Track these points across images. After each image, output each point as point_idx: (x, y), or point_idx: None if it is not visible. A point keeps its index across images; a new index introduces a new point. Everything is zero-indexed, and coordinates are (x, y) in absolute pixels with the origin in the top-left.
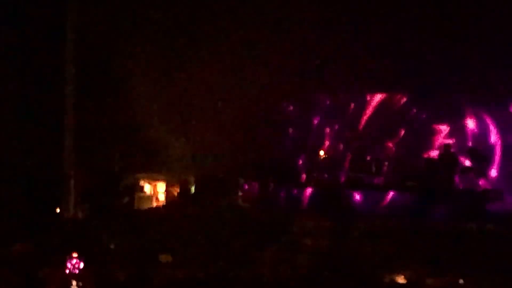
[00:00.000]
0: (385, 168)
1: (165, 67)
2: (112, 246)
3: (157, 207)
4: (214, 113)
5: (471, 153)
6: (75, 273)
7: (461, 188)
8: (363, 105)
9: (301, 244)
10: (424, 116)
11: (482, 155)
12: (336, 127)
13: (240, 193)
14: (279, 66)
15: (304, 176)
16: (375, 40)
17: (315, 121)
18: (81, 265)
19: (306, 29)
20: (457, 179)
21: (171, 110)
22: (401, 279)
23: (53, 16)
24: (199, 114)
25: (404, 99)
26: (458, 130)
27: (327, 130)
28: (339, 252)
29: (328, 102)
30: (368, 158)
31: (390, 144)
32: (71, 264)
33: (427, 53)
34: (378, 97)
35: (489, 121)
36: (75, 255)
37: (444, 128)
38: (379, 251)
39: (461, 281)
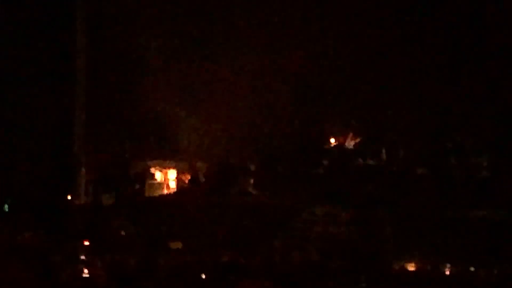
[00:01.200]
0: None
1: (179, 52)
2: (123, 233)
3: (168, 194)
4: (226, 100)
5: None
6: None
7: None
8: None
9: (312, 232)
10: None
11: None
12: None
13: (251, 180)
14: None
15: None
16: None
17: None
18: None
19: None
20: None
21: (182, 97)
22: (411, 267)
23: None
24: (211, 101)
25: None
26: None
27: None
28: (351, 239)
29: None
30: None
31: None
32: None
33: None
34: None
35: None
36: (86, 243)
37: None
38: (391, 238)
39: (472, 268)
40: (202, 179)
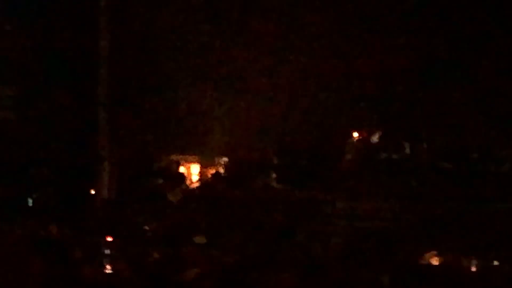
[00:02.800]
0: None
1: (202, 47)
2: (146, 227)
3: (192, 189)
4: (249, 93)
5: None
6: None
7: None
8: None
9: (336, 225)
10: None
11: None
12: None
13: (274, 174)
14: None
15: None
16: None
17: None
18: None
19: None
20: None
21: (206, 92)
22: (435, 261)
23: None
24: (234, 95)
25: None
26: None
27: None
28: (374, 233)
29: None
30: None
31: None
32: None
33: None
34: None
35: None
36: (109, 239)
37: None
38: (414, 232)
39: (496, 263)
40: (225, 174)
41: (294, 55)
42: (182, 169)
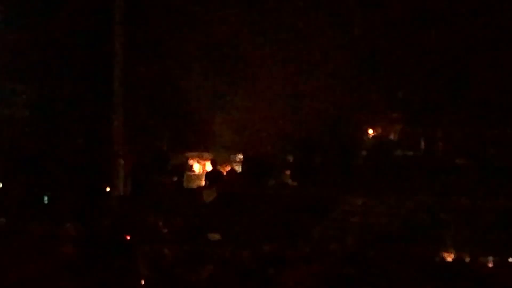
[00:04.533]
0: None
1: (216, 44)
2: (161, 224)
3: (206, 186)
4: (264, 91)
5: None
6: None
7: None
8: None
9: (350, 222)
10: None
11: None
12: None
13: (289, 171)
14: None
15: None
16: None
17: None
18: None
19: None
20: None
21: (221, 89)
22: (451, 258)
23: None
24: (248, 92)
25: None
26: None
27: None
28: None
29: None
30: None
31: None
32: None
33: None
34: None
35: None
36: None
37: None
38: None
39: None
40: (240, 171)
41: (308, 53)
42: (196, 167)
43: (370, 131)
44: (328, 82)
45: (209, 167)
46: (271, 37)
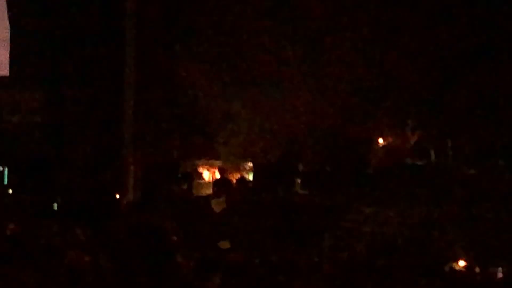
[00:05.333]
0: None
1: (226, 52)
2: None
3: (214, 194)
4: (274, 99)
5: None
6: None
7: None
8: None
9: (359, 231)
10: None
11: None
12: None
13: (299, 180)
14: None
15: None
16: None
17: None
18: None
19: None
20: None
21: (231, 97)
22: (461, 268)
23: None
24: (259, 101)
25: None
26: None
27: None
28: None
29: None
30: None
31: None
32: None
33: None
34: None
35: None
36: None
37: None
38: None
39: None
40: (250, 179)
41: (318, 64)
42: (206, 174)
43: (381, 140)
44: (339, 92)
45: (218, 174)
46: (283, 45)
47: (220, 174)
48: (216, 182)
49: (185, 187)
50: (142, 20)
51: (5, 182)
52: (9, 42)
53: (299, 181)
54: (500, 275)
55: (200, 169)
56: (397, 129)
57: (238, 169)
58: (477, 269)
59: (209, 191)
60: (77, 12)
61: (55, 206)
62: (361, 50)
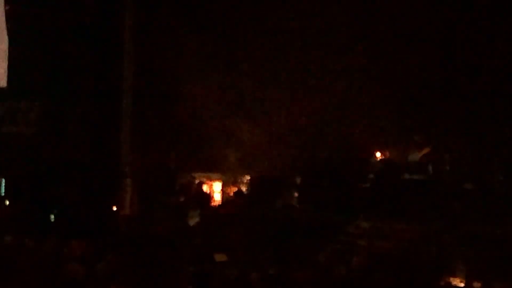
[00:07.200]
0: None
1: (225, 65)
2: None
3: (213, 206)
4: (272, 113)
5: None
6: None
7: None
8: None
9: (357, 245)
10: None
11: None
12: None
13: (295, 193)
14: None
15: None
16: None
17: None
18: None
19: None
20: None
21: (228, 110)
22: (459, 284)
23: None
24: (256, 114)
25: None
26: None
27: None
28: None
29: None
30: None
31: None
32: None
33: None
34: None
35: None
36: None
37: None
38: (437, 253)
39: None
40: (247, 192)
41: (315, 77)
42: (204, 187)
43: (378, 154)
44: (336, 106)
45: (217, 187)
46: (281, 57)
47: (217, 186)
48: (208, 195)
49: (182, 199)
50: (141, 29)
51: (2, 193)
52: (7, 54)
53: (296, 194)
54: None
55: (197, 181)
56: (397, 143)
57: (235, 182)
58: (476, 284)
59: (207, 203)
60: (74, 24)
61: (52, 218)
62: (358, 66)
